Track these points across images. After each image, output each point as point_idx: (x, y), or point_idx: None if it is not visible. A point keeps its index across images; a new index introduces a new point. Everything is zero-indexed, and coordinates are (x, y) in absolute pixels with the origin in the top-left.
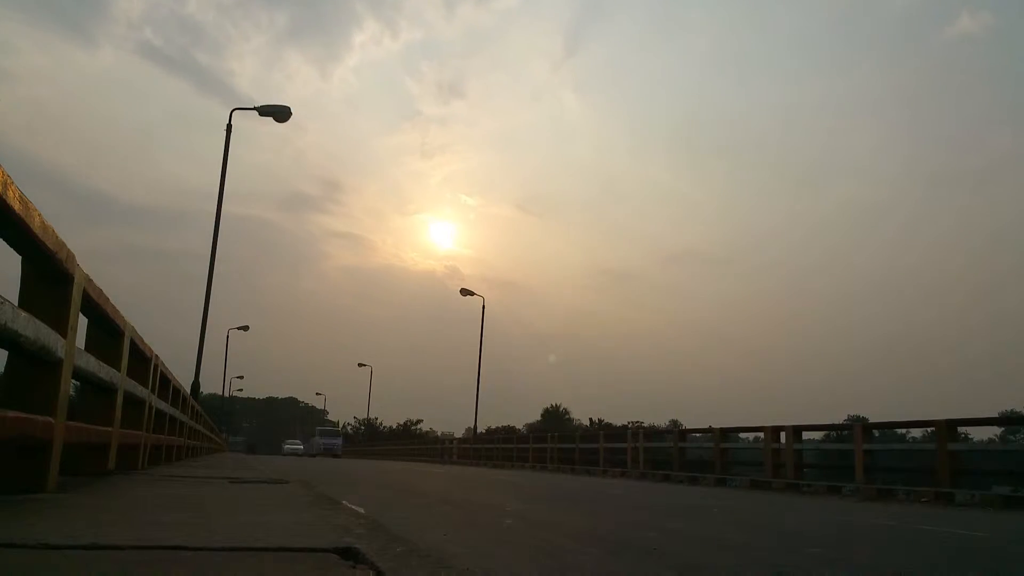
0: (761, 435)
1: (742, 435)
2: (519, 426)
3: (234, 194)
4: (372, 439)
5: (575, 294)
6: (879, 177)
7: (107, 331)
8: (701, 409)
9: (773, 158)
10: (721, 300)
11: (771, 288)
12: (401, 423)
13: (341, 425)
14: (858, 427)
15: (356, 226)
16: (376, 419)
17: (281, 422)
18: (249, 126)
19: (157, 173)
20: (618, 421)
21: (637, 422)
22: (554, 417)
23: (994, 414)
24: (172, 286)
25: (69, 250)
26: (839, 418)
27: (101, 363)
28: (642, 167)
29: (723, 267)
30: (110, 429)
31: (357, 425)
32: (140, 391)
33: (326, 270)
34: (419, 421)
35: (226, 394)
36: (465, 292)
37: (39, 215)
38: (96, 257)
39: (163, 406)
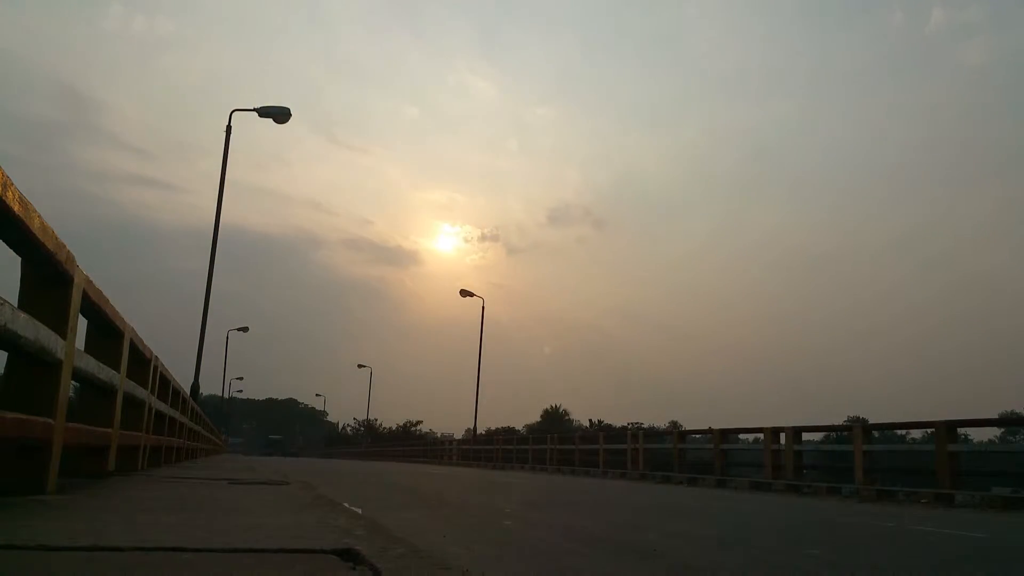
0: (761, 436)
1: (742, 436)
2: (519, 427)
3: None
4: (372, 440)
5: (467, 272)
6: None
7: (107, 333)
8: (700, 410)
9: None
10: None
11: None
12: (401, 424)
13: (341, 426)
14: (858, 428)
15: (156, 168)
16: (376, 420)
17: (281, 423)
18: None
19: None
20: (618, 422)
21: (637, 423)
22: (554, 418)
23: (994, 415)
24: None
25: (69, 251)
26: (839, 419)
27: (101, 364)
28: (441, 68)
29: (613, 231)
30: (110, 430)
31: (357, 426)
32: (140, 392)
33: (152, 233)
34: (419, 422)
35: (226, 395)
36: (464, 293)
37: (39, 216)
38: None
39: (163, 407)
